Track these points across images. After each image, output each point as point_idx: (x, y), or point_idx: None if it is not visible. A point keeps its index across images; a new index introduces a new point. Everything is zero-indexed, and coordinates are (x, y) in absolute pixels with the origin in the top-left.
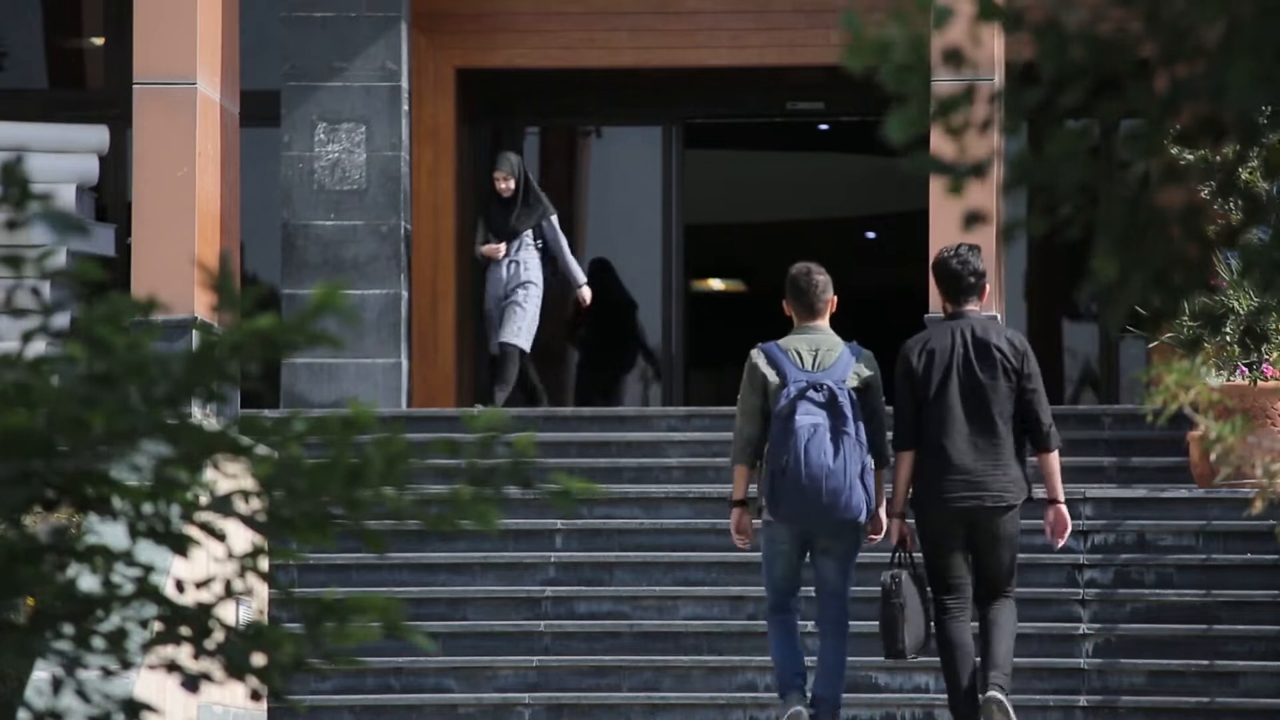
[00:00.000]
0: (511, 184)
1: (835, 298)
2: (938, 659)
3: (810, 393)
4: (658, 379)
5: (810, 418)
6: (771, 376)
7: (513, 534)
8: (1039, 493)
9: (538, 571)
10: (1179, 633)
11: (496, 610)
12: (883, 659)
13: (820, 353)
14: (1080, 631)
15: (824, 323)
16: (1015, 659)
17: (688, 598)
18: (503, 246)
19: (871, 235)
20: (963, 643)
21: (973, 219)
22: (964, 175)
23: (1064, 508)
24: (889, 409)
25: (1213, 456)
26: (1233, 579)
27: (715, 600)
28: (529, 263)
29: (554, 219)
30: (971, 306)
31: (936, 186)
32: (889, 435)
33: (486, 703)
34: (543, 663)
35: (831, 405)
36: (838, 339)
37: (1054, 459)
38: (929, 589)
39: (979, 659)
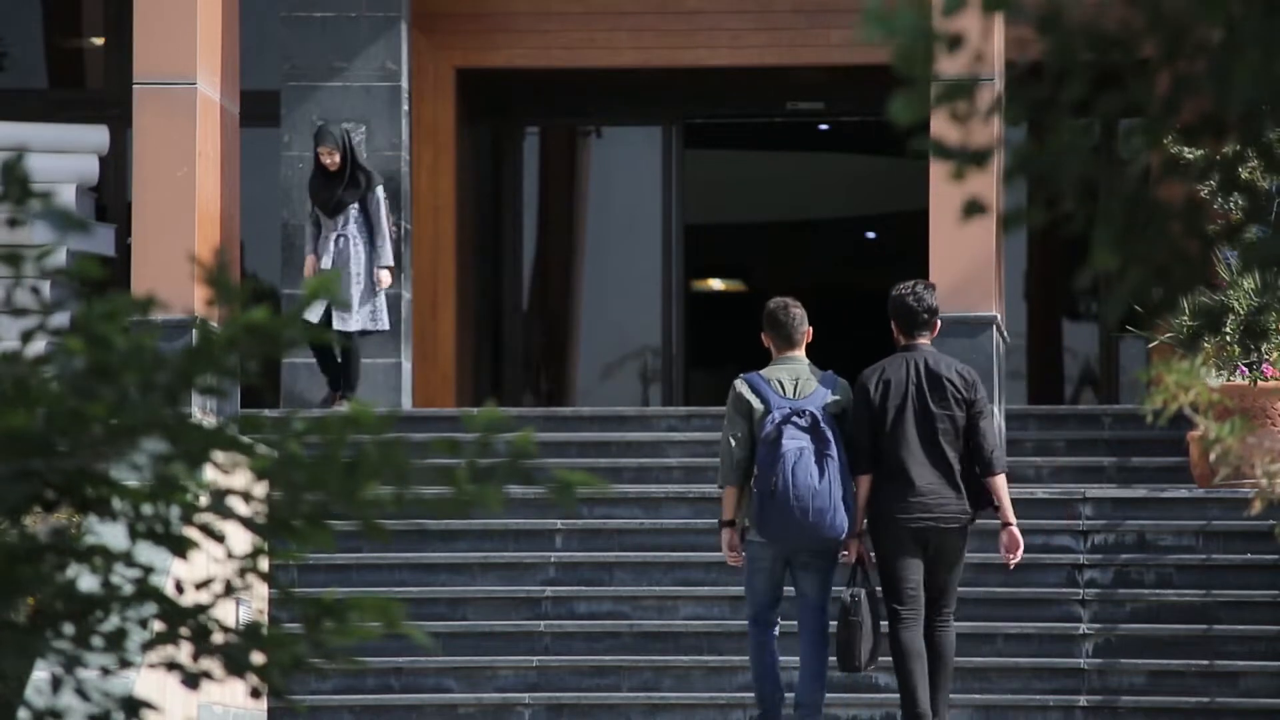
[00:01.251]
0: (337, 158)
1: (811, 329)
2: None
3: (794, 419)
4: (658, 379)
5: (795, 442)
6: (756, 404)
7: (513, 534)
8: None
9: (538, 571)
10: (1179, 633)
11: (496, 610)
12: (881, 661)
13: (800, 381)
14: (1080, 631)
15: (801, 353)
16: (1015, 659)
17: (688, 598)
18: (314, 261)
19: (871, 235)
20: (915, 649)
21: (973, 208)
22: (966, 161)
23: (1015, 529)
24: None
25: (1212, 456)
26: (1232, 579)
27: (715, 600)
28: (357, 238)
29: (380, 191)
30: (923, 340)
31: (936, 185)
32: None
33: (486, 703)
34: (543, 663)
35: (814, 430)
36: (815, 369)
37: (1001, 482)
38: (883, 599)
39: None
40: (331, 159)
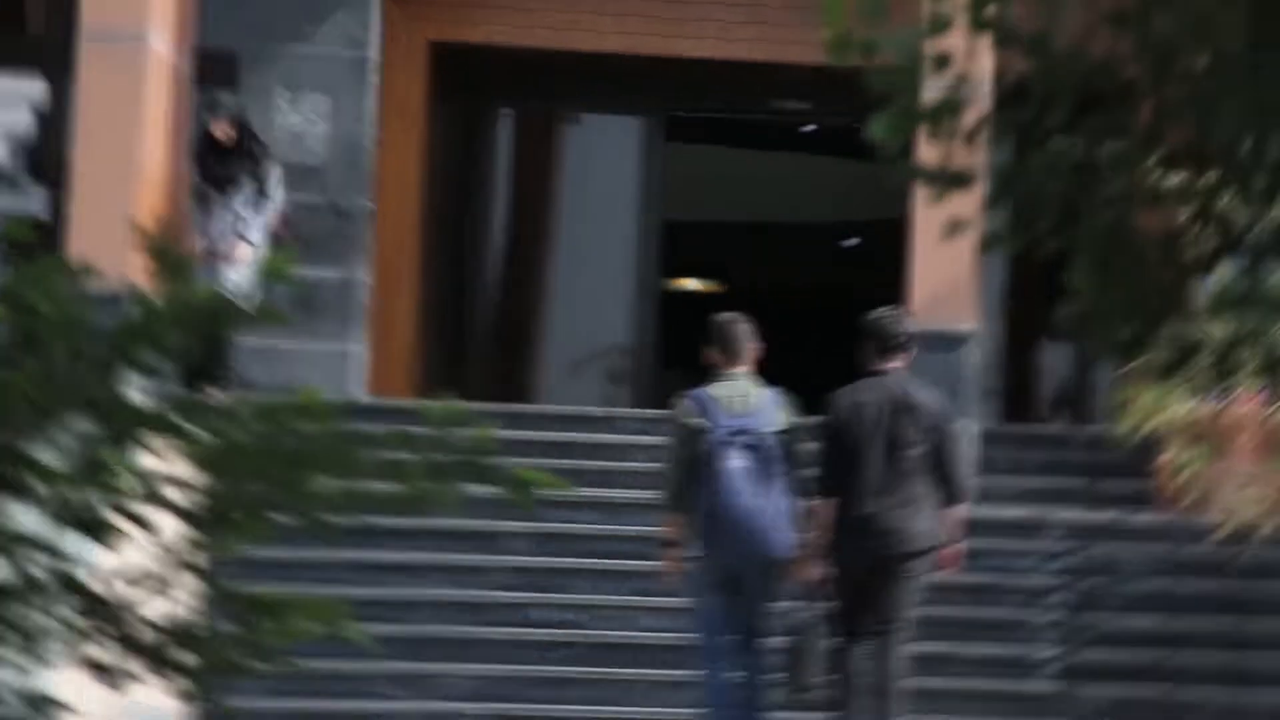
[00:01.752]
0: (232, 132)
1: (755, 345)
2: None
3: (738, 437)
4: (628, 380)
5: (739, 461)
6: (701, 423)
7: (465, 535)
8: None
9: (490, 576)
10: (1142, 660)
11: (445, 615)
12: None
13: (744, 398)
14: (1043, 656)
15: (746, 369)
16: (976, 683)
17: (646, 608)
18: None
19: (854, 241)
20: (859, 669)
21: (954, 228)
22: (947, 184)
23: (961, 546)
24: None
25: (1181, 482)
26: (1197, 606)
27: (675, 612)
28: (249, 217)
29: (277, 169)
30: (895, 365)
31: (919, 200)
32: (810, 477)
33: (431, 711)
34: (490, 671)
35: (758, 449)
36: (760, 385)
37: (962, 511)
38: (836, 619)
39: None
40: (226, 133)
